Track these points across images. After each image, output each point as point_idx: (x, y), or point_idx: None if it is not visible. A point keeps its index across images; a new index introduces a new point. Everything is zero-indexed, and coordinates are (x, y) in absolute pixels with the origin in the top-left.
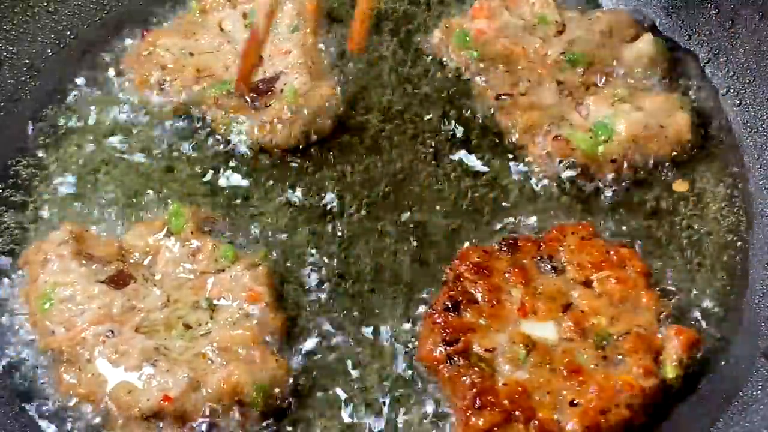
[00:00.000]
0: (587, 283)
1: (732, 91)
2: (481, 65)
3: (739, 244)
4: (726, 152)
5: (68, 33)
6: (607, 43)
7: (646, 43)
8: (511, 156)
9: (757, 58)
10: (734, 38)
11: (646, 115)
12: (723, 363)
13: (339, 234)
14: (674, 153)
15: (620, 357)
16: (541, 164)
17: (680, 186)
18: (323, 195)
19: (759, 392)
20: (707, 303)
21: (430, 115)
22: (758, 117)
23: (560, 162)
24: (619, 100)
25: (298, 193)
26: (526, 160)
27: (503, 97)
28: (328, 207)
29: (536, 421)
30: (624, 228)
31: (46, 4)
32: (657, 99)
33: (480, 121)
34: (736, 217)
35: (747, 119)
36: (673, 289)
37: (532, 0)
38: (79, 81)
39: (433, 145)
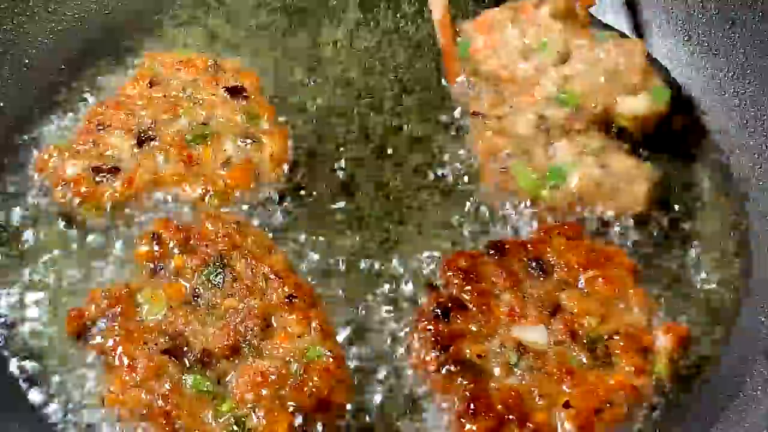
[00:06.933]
0: (576, 284)
1: (732, 91)
2: (474, 78)
3: (738, 244)
4: (725, 153)
5: (68, 33)
6: (606, 88)
7: (641, 101)
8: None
9: (757, 59)
10: (734, 38)
11: (606, 174)
12: (723, 363)
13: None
14: (622, 217)
15: (612, 357)
16: (490, 190)
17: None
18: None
19: (759, 392)
20: (707, 302)
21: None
22: (758, 117)
23: (501, 193)
24: (588, 152)
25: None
26: (480, 183)
27: (476, 115)
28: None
29: (530, 425)
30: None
31: (45, 4)
32: (625, 162)
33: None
34: (736, 217)
35: (747, 119)
36: (671, 286)
37: (539, 16)
38: (78, 83)
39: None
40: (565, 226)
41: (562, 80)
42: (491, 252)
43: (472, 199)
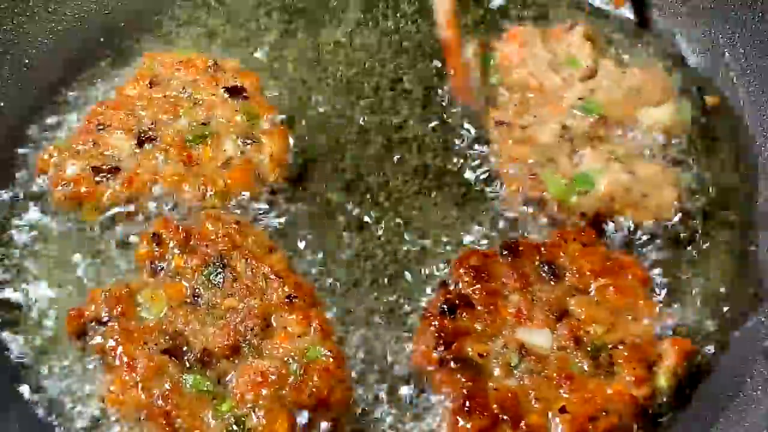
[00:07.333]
0: (586, 291)
1: (732, 91)
2: (498, 90)
3: (740, 243)
4: (728, 153)
5: (68, 33)
6: (629, 101)
7: (664, 111)
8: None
9: (757, 58)
10: (734, 38)
11: (634, 180)
12: (723, 363)
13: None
14: (652, 223)
15: (614, 366)
16: (510, 196)
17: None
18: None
19: (759, 392)
20: (706, 302)
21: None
22: (758, 117)
23: (527, 199)
24: (614, 158)
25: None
26: (499, 188)
27: (502, 123)
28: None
29: (524, 426)
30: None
31: (45, 4)
32: (652, 168)
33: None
34: (740, 218)
35: (747, 120)
36: (671, 288)
37: (570, 39)
38: (79, 83)
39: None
40: (582, 232)
41: (589, 92)
42: (504, 252)
43: (473, 198)
